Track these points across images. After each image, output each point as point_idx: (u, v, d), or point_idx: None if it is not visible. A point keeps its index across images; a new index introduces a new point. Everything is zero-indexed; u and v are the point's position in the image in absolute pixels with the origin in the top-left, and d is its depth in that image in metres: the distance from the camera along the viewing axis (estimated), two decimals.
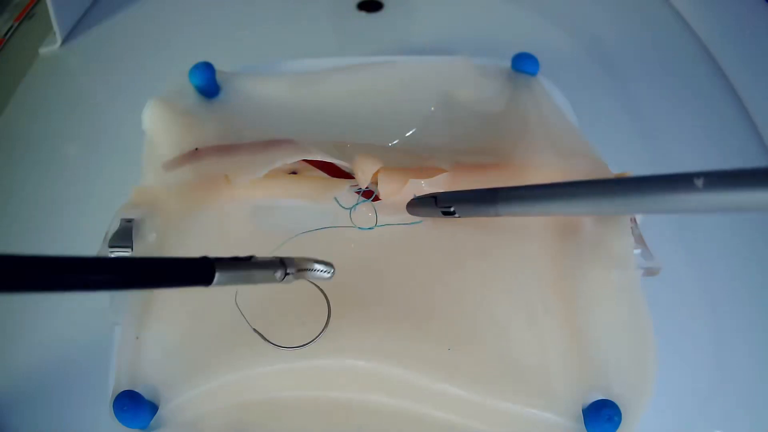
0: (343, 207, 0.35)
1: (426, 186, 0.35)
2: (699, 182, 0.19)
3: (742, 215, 0.49)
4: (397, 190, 0.34)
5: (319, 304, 0.31)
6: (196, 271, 0.22)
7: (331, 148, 0.36)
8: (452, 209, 0.31)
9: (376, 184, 0.35)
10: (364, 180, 0.34)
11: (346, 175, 0.36)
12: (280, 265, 0.25)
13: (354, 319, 0.31)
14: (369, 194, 0.35)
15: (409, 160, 0.37)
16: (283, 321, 0.31)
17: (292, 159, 0.34)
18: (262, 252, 0.33)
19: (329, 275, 0.27)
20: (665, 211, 0.21)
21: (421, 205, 0.33)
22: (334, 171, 0.37)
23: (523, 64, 0.43)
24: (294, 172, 0.37)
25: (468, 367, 0.30)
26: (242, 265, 0.24)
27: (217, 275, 0.22)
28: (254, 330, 0.30)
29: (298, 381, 0.30)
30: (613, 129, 0.55)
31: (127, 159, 0.38)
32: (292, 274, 0.26)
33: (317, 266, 0.27)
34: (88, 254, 0.32)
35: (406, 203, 0.34)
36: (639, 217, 0.35)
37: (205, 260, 0.22)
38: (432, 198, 0.32)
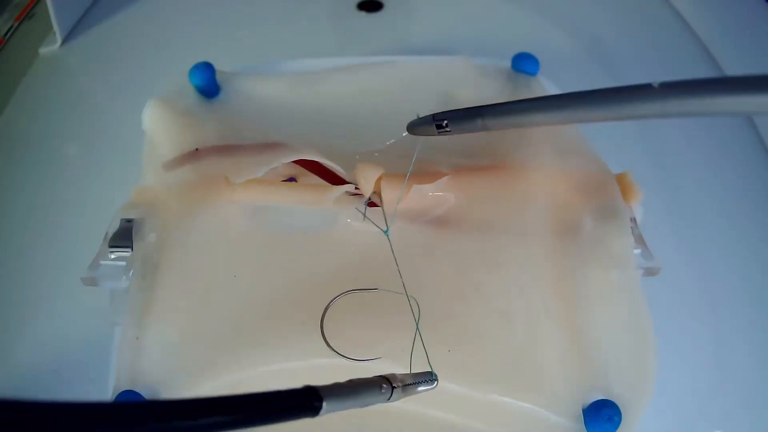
0: (360, 211, 0.34)
1: (429, 192, 0.34)
2: (656, 84, 0.22)
3: (738, 211, 0.49)
4: (403, 197, 0.34)
5: (319, 305, 0.31)
6: (300, 403, 0.21)
7: (330, 155, 0.36)
8: (445, 124, 0.32)
9: (378, 193, 0.34)
10: (366, 188, 0.34)
11: (345, 183, 0.36)
12: (386, 383, 0.25)
13: (354, 320, 0.31)
14: (372, 205, 0.35)
15: (408, 164, 0.37)
16: (283, 320, 0.31)
17: (290, 158, 0.34)
18: (264, 253, 0.33)
19: (434, 385, 0.27)
20: (631, 116, 0.24)
21: (420, 123, 0.34)
22: (332, 179, 0.36)
23: (523, 64, 0.43)
24: (293, 179, 0.37)
25: (468, 367, 0.30)
26: (349, 391, 0.23)
27: (324, 404, 0.21)
28: (329, 346, 0.30)
29: (298, 381, 0.30)
30: (613, 128, 0.55)
31: (127, 159, 0.38)
32: (399, 389, 0.25)
33: (420, 379, 0.27)
34: (88, 256, 0.32)
35: (408, 208, 0.34)
36: (639, 217, 0.35)
37: (310, 390, 0.21)
38: (430, 117, 0.33)
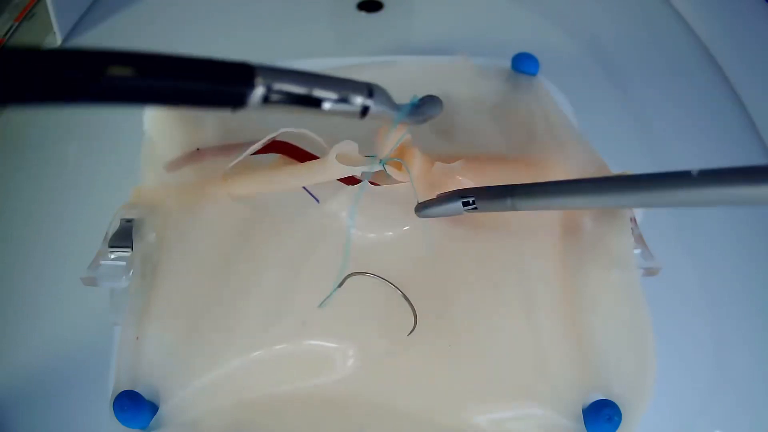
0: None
1: (453, 172, 0.33)
2: (695, 173, 0.21)
3: (737, 211, 0.49)
4: (426, 171, 0.33)
5: (312, 300, 0.31)
6: (222, 80, 0.16)
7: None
8: (472, 202, 0.30)
9: (396, 165, 0.31)
10: (384, 150, 0.31)
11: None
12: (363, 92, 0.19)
13: (356, 318, 0.31)
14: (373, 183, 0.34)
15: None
16: (284, 319, 0.31)
17: (274, 136, 0.33)
18: (263, 252, 0.33)
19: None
20: (667, 204, 0.23)
21: (439, 202, 0.31)
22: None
23: (523, 64, 0.43)
24: None
25: (469, 366, 0.30)
26: (295, 77, 0.17)
27: (258, 89, 0.16)
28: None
29: (297, 371, 0.30)
30: (613, 129, 0.55)
31: (127, 159, 0.38)
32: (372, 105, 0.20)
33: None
34: (88, 256, 0.32)
35: (409, 193, 0.34)
36: (639, 217, 0.35)
37: (242, 66, 0.16)
38: (455, 193, 0.31)
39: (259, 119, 0.40)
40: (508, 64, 0.43)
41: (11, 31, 0.65)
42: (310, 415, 0.30)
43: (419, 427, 0.30)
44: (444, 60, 0.43)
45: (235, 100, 0.17)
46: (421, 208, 0.32)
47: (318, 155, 0.34)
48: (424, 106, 0.25)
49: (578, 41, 0.64)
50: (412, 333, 0.31)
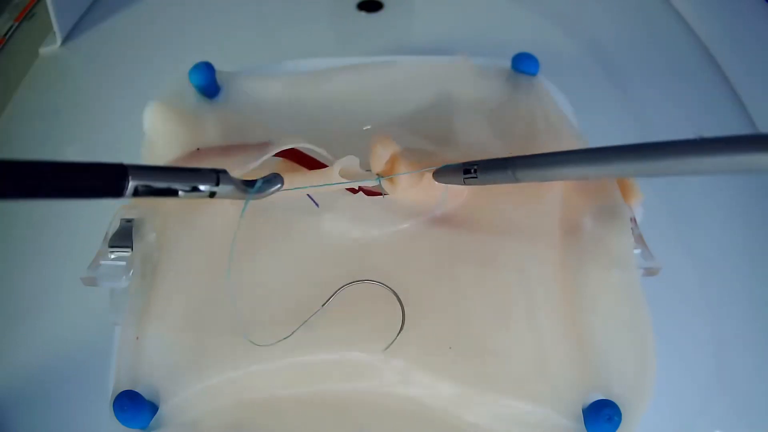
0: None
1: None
2: (698, 139, 0.21)
3: (737, 210, 0.49)
4: (415, 184, 0.33)
5: (319, 304, 0.31)
6: (101, 178, 0.22)
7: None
8: (474, 170, 0.31)
9: (387, 175, 0.33)
10: (377, 165, 0.33)
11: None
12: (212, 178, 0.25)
13: (356, 319, 0.31)
14: (369, 193, 0.35)
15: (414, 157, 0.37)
16: (283, 319, 0.31)
17: (280, 149, 0.33)
18: (263, 253, 0.33)
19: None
20: (668, 172, 0.23)
21: (446, 171, 0.32)
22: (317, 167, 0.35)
23: (523, 64, 0.43)
24: None
25: (469, 366, 0.30)
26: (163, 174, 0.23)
27: (131, 184, 0.22)
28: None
29: (298, 377, 0.30)
30: (613, 129, 0.55)
31: (127, 159, 0.38)
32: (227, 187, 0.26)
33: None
34: (88, 256, 0.32)
35: (408, 199, 0.34)
36: (639, 217, 0.35)
37: (119, 167, 0.22)
38: (461, 165, 0.31)
39: (260, 119, 0.40)
40: (508, 64, 0.43)
41: (11, 31, 0.65)
42: (310, 415, 0.30)
43: (419, 427, 0.30)
44: (444, 60, 0.43)
45: (115, 193, 0.23)
46: (436, 174, 0.33)
47: (322, 160, 0.35)
48: (267, 185, 0.30)
49: (578, 41, 0.65)
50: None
